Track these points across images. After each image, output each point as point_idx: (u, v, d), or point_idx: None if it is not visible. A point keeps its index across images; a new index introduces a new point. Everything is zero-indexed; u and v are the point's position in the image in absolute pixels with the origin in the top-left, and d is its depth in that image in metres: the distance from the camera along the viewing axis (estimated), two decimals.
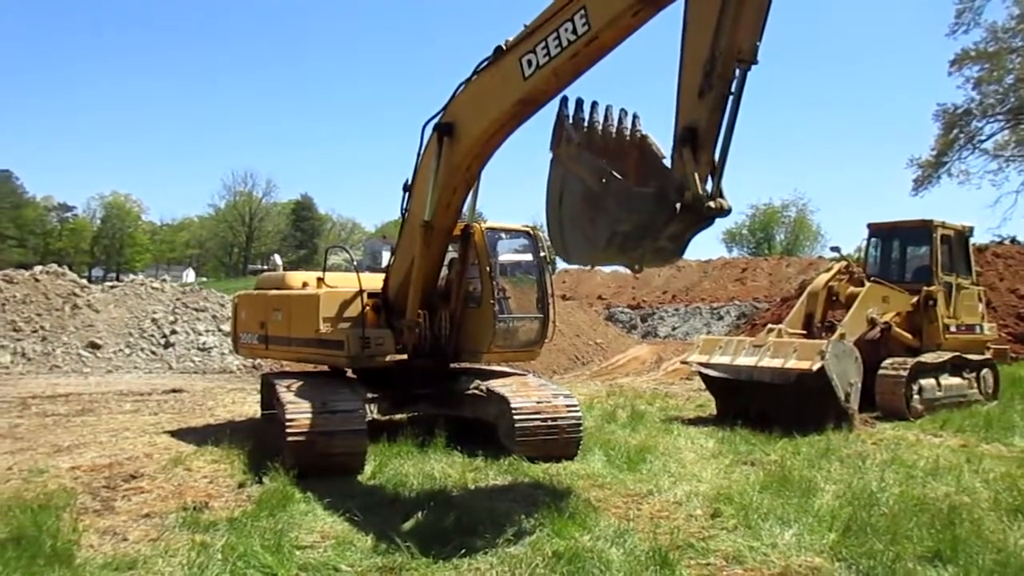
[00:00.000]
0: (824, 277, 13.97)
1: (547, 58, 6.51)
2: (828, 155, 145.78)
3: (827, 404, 10.72)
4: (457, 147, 7.84)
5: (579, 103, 6.33)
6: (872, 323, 12.53)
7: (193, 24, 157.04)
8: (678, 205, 5.51)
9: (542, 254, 9.98)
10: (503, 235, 10.05)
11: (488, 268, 9.40)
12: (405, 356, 9.56)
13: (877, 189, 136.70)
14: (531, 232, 10.13)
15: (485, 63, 7.30)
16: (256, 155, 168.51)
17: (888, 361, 12.47)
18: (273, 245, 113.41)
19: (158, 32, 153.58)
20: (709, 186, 5.56)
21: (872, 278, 13.55)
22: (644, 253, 5.96)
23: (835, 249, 15.12)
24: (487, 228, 9.59)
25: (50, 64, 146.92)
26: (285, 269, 12.83)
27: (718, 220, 5.78)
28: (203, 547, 5.65)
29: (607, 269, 68.61)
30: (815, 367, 10.52)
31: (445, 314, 9.65)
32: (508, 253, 10.37)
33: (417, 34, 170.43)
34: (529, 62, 6.67)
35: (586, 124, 6.34)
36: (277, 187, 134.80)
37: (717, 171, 5.58)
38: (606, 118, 6.45)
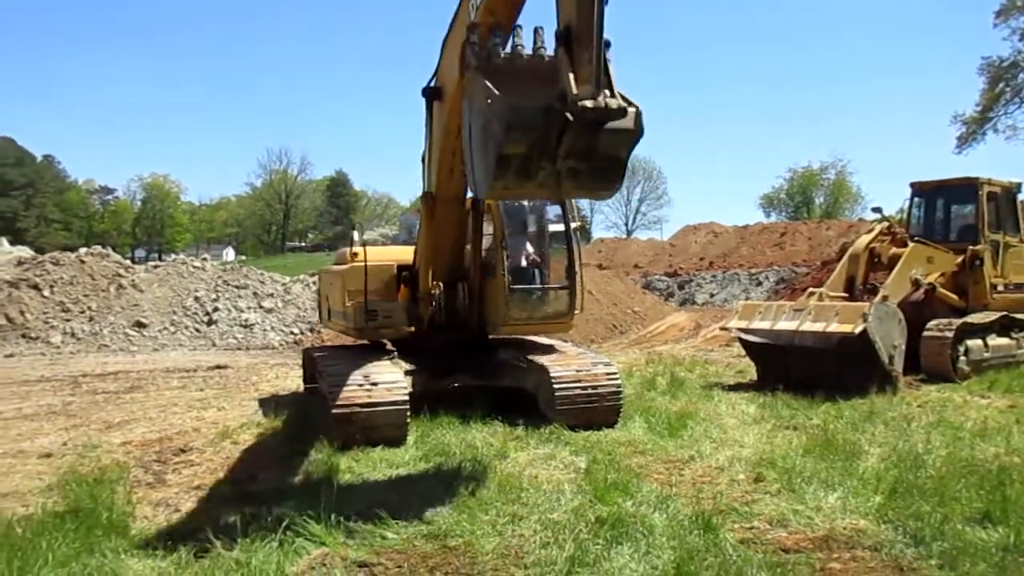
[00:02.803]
0: (866, 239, 13.71)
1: None
2: (867, 115, 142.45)
3: (870, 367, 10.57)
4: (444, 107, 7.73)
5: (474, 27, 6.03)
6: (916, 284, 12.30)
7: (227, 4, 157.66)
8: (569, 115, 5.15)
9: (575, 224, 9.87)
10: (527, 203, 9.92)
11: (500, 238, 9.35)
12: (412, 329, 9.67)
13: (918, 148, 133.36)
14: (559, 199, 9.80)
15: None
16: (291, 133, 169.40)
17: (933, 322, 12.25)
18: (310, 222, 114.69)
19: (192, 14, 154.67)
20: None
21: (915, 238, 13.27)
22: (549, 177, 5.55)
23: (877, 210, 14.77)
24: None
25: (85, 49, 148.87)
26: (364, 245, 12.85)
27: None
28: (252, 517, 5.78)
29: (643, 238, 68.02)
30: (858, 330, 10.37)
31: (464, 286, 9.66)
32: (534, 222, 10.27)
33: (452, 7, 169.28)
34: (474, 5, 6.50)
35: (494, 49, 5.95)
36: (312, 164, 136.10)
37: (595, 70, 5.17)
38: (514, 40, 5.97)
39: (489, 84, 5.47)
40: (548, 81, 5.44)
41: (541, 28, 5.82)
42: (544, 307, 9.56)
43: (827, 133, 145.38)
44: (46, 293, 22.79)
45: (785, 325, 11.42)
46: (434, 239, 9.27)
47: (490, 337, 10.05)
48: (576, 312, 9.80)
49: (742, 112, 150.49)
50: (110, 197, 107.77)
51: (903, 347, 10.98)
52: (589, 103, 5.09)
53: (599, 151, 5.42)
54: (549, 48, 5.69)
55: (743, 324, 12.14)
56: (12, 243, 37.66)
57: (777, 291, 30.02)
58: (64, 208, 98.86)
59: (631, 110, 5.36)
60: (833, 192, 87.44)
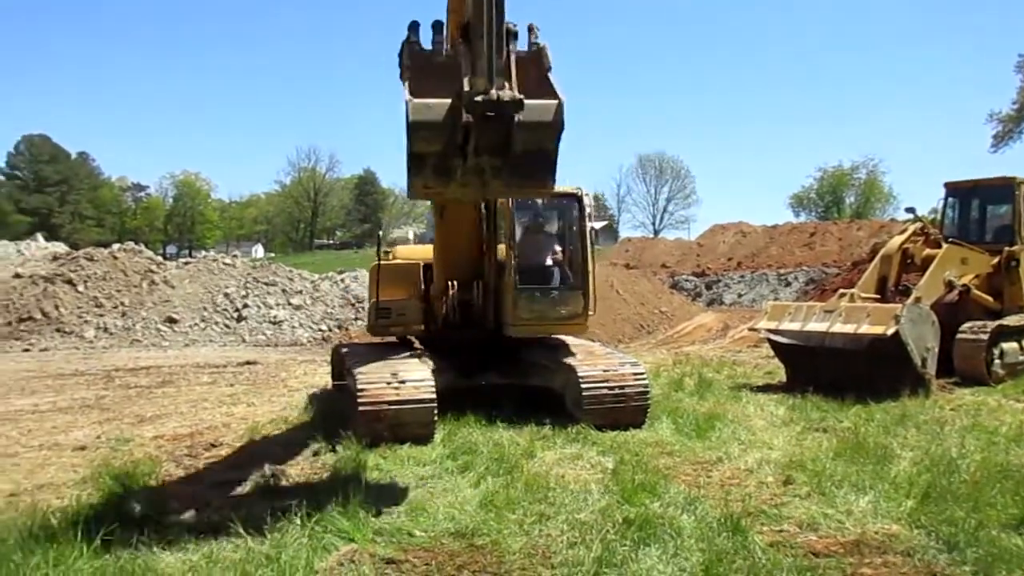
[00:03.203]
0: (898, 239, 13.50)
1: None
2: (900, 114, 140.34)
3: (903, 370, 10.42)
4: None
5: (415, 25, 6.12)
6: (950, 286, 12.10)
7: (259, 1, 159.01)
8: (464, 111, 5.21)
9: (599, 224, 9.81)
10: (541, 200, 9.85)
11: (509, 237, 9.38)
12: (424, 327, 9.89)
13: (953, 147, 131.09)
14: (576, 194, 9.67)
15: None
16: (320, 131, 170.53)
17: (967, 325, 12.04)
18: (338, 220, 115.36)
19: (225, 11, 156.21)
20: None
21: (950, 239, 13.04)
22: (471, 175, 5.59)
23: (910, 210, 14.56)
24: None
25: (119, 48, 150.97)
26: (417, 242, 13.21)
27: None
28: (282, 512, 5.82)
29: (671, 237, 67.67)
30: (890, 332, 10.22)
31: (480, 284, 9.69)
32: (548, 221, 10.22)
33: None
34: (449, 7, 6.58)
35: (431, 46, 6.07)
36: (340, 162, 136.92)
37: (487, 63, 5.20)
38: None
39: (406, 85, 5.57)
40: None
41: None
42: (555, 308, 9.39)
43: (858, 132, 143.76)
44: (80, 288, 23.18)
45: (815, 326, 11.29)
46: (445, 238, 9.52)
47: (510, 336, 9.90)
48: (590, 314, 9.58)
49: (771, 111, 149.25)
50: (142, 194, 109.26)
51: (936, 350, 10.82)
52: (480, 97, 5.10)
53: (516, 146, 5.40)
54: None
55: (772, 325, 12.02)
56: (47, 239, 38.32)
57: (807, 292, 29.71)
58: (98, 204, 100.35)
59: (546, 103, 5.40)
60: (864, 192, 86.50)
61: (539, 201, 9.89)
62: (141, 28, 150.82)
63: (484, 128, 5.27)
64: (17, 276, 24.42)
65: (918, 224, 13.83)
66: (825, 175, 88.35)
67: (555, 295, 9.46)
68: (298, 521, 5.54)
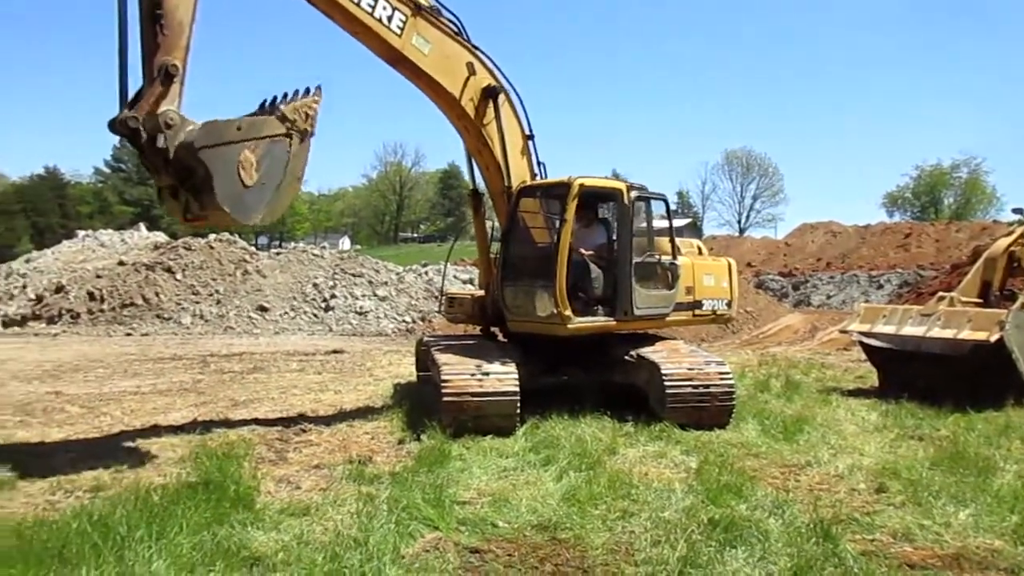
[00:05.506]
0: (1004, 241, 12.82)
1: None
2: (1006, 110, 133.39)
3: (1006, 378, 9.89)
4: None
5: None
6: None
7: None
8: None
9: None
10: (539, 192, 9.85)
11: (504, 228, 9.63)
12: (474, 317, 10.59)
13: None
14: (566, 182, 9.00)
15: None
16: (405, 126, 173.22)
17: None
18: (422, 213, 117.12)
19: (303, 11, 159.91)
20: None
21: None
22: (181, 201, 6.40)
23: (1017, 211, 13.98)
24: (524, 187, 9.58)
25: (214, 45, 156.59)
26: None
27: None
28: (369, 498, 5.96)
29: (757, 236, 66.16)
30: (993, 338, 9.73)
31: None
32: (548, 211, 10.15)
33: (559, 3, 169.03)
34: None
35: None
36: (425, 157, 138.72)
37: (119, 90, 6.02)
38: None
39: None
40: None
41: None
42: (531, 304, 9.03)
43: (959, 130, 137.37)
44: (179, 276, 24.22)
45: (911, 330, 10.84)
46: (482, 232, 10.47)
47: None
48: (572, 315, 8.74)
49: (865, 107, 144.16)
50: None
51: None
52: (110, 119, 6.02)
53: (183, 170, 6.11)
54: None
55: (865, 327, 11.60)
56: (149, 228, 40.06)
57: (900, 295, 28.59)
58: None
59: (194, 126, 5.99)
60: (965, 192, 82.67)
61: (538, 194, 9.89)
62: (236, 26, 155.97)
63: (141, 150, 6.08)
64: (121, 264, 25.68)
65: None
66: (922, 174, 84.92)
67: (530, 291, 9.09)
68: (385, 507, 5.67)
